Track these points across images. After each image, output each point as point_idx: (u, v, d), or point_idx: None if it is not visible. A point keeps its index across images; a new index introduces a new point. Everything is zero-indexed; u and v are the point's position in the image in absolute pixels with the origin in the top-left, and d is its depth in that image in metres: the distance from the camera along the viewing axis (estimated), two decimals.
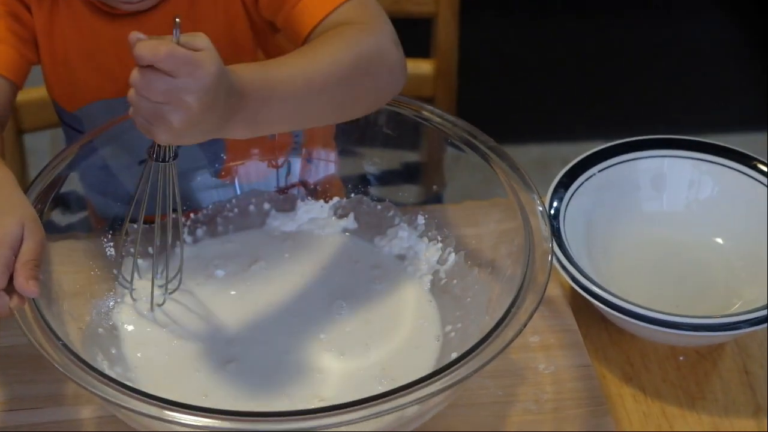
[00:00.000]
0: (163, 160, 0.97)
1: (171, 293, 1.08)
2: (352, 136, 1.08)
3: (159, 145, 0.96)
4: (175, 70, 0.86)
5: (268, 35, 1.23)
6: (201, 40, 0.88)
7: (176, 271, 1.07)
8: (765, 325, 1.04)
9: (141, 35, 0.87)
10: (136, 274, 1.08)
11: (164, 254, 1.07)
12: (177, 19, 0.88)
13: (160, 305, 1.08)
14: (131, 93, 0.88)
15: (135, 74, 0.88)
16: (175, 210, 1.03)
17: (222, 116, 0.90)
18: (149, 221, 1.15)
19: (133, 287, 1.08)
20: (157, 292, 1.07)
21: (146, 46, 0.86)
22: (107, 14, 1.18)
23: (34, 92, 1.42)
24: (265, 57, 1.24)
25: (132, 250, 1.09)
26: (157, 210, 1.02)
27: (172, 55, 0.86)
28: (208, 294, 1.12)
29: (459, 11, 1.58)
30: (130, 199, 1.05)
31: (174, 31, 0.88)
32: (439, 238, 1.14)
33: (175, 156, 0.98)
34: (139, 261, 1.09)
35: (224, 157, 1.19)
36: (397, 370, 1.03)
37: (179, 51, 0.86)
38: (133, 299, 1.09)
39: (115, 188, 1.16)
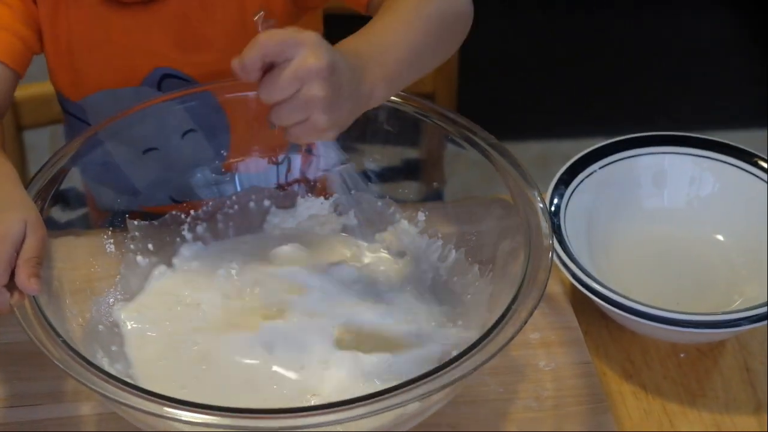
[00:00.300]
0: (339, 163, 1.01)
1: None
2: (351, 132, 1.08)
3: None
4: (283, 50, 0.87)
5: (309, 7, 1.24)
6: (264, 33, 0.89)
7: None
8: (766, 322, 1.04)
9: (237, 59, 0.88)
10: None
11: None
12: (259, 14, 0.92)
13: None
14: (269, 113, 0.90)
15: (260, 91, 0.89)
16: None
17: (358, 83, 0.92)
18: (154, 212, 1.15)
19: None
20: None
21: (245, 52, 0.87)
22: (117, 2, 1.18)
23: (34, 88, 1.42)
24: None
25: None
26: None
27: (271, 37, 0.88)
28: (209, 292, 1.12)
29: None
30: None
31: (260, 26, 0.91)
32: (440, 235, 1.14)
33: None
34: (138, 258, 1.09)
35: (225, 154, 1.19)
36: (398, 367, 1.03)
37: (272, 32, 0.88)
38: None
39: (118, 181, 1.16)
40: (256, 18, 0.91)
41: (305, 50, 0.87)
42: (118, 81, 1.22)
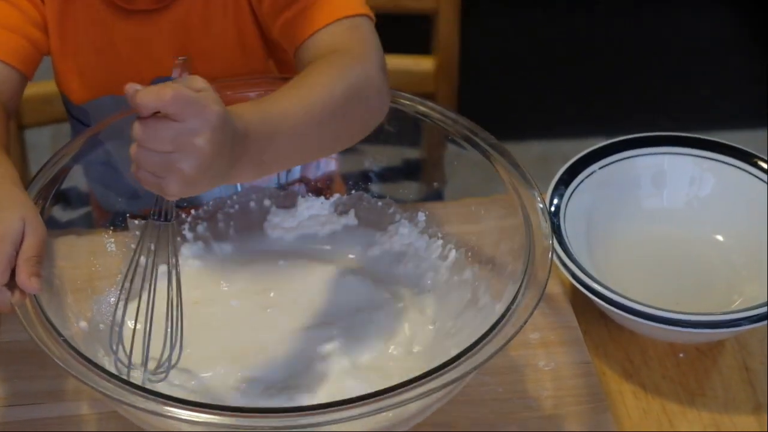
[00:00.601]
0: (166, 219, 0.95)
1: (172, 367, 1.01)
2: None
3: (161, 204, 0.94)
4: (182, 113, 0.83)
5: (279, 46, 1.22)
6: (198, 81, 0.86)
7: (177, 341, 1.01)
8: (765, 322, 1.04)
9: (137, 86, 0.84)
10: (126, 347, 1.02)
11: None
12: (180, 59, 0.89)
13: (159, 380, 1.02)
14: (133, 148, 0.85)
15: (137, 127, 0.84)
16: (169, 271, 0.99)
17: (230, 160, 0.87)
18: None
19: (131, 363, 1.02)
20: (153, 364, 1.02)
21: (148, 93, 0.82)
22: (122, 10, 1.19)
23: (36, 87, 1.42)
24: (277, 68, 1.24)
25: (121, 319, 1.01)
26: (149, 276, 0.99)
27: (178, 97, 0.82)
28: (208, 293, 1.13)
29: (460, 8, 1.58)
30: (129, 260, 1.00)
31: (174, 71, 0.87)
32: (440, 235, 1.14)
33: (178, 215, 0.96)
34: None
35: None
36: (398, 366, 1.04)
37: (184, 92, 0.83)
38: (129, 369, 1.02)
39: (119, 181, 1.16)
40: (178, 61, 0.89)
41: (200, 125, 0.84)
42: (121, 87, 1.21)
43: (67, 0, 1.18)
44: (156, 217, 0.95)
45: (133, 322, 1.02)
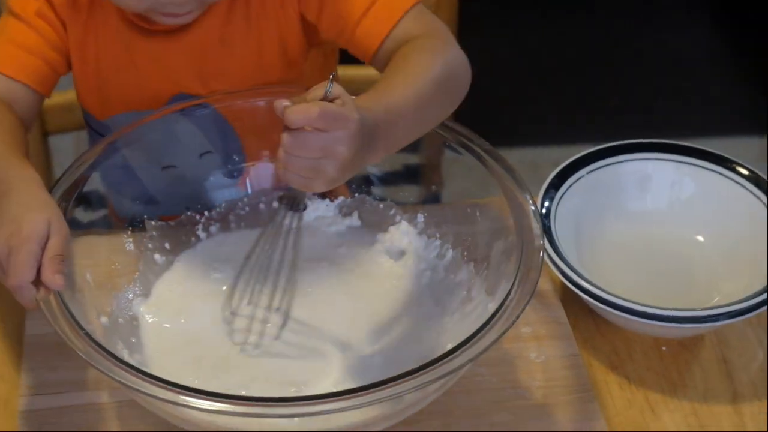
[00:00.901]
0: (297, 210, 0.99)
1: (282, 329, 1.05)
2: None
3: (292, 196, 0.98)
4: (328, 126, 0.88)
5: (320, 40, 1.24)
6: (336, 88, 0.90)
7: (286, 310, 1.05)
8: (742, 317, 1.04)
9: (286, 102, 0.88)
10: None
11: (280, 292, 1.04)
12: (331, 75, 0.91)
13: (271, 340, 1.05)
14: (281, 154, 0.89)
15: (285, 137, 0.88)
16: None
17: (364, 153, 0.92)
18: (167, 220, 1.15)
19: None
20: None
21: (297, 111, 0.87)
22: (144, 30, 1.18)
23: (59, 96, 1.42)
24: (318, 55, 1.26)
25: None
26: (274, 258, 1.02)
27: (325, 113, 0.87)
28: (220, 288, 1.12)
29: (457, 22, 1.57)
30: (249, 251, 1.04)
31: (327, 87, 0.90)
32: (438, 235, 1.14)
33: (305, 207, 1.00)
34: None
35: (237, 159, 1.19)
36: (398, 358, 1.03)
37: (330, 108, 0.88)
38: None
39: (135, 189, 1.16)
40: (330, 78, 0.92)
41: (342, 135, 0.88)
42: (141, 104, 1.21)
43: (89, 22, 1.18)
44: (288, 207, 0.99)
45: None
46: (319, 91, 0.90)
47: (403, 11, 1.12)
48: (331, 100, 0.89)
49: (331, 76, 0.92)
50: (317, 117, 0.87)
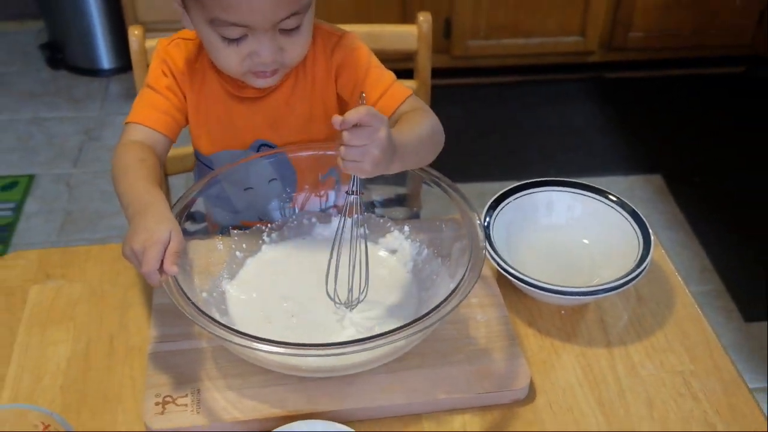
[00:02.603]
0: (358, 194, 0.98)
1: (362, 300, 1.03)
2: (366, 178, 1.09)
3: (356, 187, 0.97)
4: (370, 121, 0.88)
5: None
6: (362, 107, 0.90)
7: (365, 284, 1.02)
8: (613, 292, 1.05)
9: (340, 117, 0.88)
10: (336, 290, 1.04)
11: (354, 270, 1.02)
12: (362, 94, 0.94)
13: (352, 308, 1.04)
14: (341, 149, 0.90)
15: (346, 134, 0.89)
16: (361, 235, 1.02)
17: (391, 155, 0.93)
18: (247, 226, 1.15)
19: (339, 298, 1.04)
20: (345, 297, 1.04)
21: (353, 112, 0.88)
22: (237, 97, 1.18)
23: (174, 151, 1.43)
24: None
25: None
26: (351, 239, 1.01)
27: (368, 111, 0.88)
28: (280, 274, 1.12)
29: (430, 101, 1.57)
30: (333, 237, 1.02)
31: (361, 101, 0.92)
32: (418, 240, 1.14)
33: (363, 190, 0.99)
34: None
35: (290, 191, 1.19)
36: (390, 319, 1.03)
37: (371, 108, 0.89)
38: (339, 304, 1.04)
39: (227, 205, 1.16)
40: (362, 96, 0.94)
41: (381, 126, 0.90)
42: (234, 145, 1.21)
43: (201, 92, 1.18)
44: (351, 193, 0.98)
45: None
46: (358, 106, 0.91)
47: (404, 97, 1.13)
48: None
49: (362, 94, 0.93)
50: (365, 113, 0.88)
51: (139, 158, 1.06)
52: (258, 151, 1.20)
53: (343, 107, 1.22)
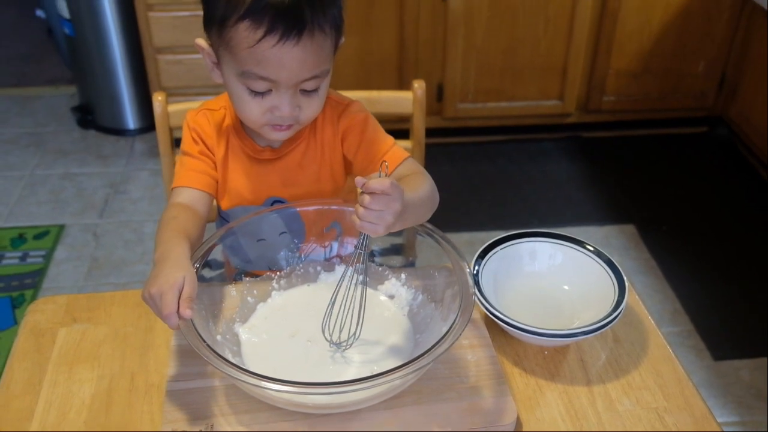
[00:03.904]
0: (365, 249, 0.98)
1: (356, 339, 1.02)
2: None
3: (364, 244, 0.97)
4: (392, 192, 0.89)
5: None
6: (386, 178, 0.90)
7: (358, 328, 1.02)
8: (591, 334, 1.05)
9: (363, 179, 0.89)
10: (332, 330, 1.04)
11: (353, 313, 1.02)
12: (386, 163, 0.94)
13: (344, 349, 1.03)
14: (360, 210, 0.90)
15: (366, 198, 0.89)
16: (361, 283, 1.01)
17: (401, 216, 0.93)
18: (257, 274, 1.15)
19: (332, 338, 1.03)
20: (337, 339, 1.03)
21: (378, 182, 0.89)
22: (255, 159, 1.21)
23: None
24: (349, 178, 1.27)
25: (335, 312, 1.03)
26: (349, 286, 1.01)
27: (392, 185, 0.89)
28: (288, 318, 1.12)
29: (423, 162, 1.59)
30: (338, 282, 1.02)
31: (381, 169, 0.92)
32: (413, 286, 1.14)
33: (370, 250, 1.01)
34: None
35: (298, 242, 1.19)
36: (388, 360, 1.03)
37: (394, 182, 0.90)
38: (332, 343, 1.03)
39: (239, 252, 1.16)
40: (384, 165, 0.94)
41: (399, 196, 0.91)
42: (250, 201, 1.23)
43: (225, 156, 1.21)
44: (359, 248, 0.97)
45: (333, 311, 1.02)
46: (379, 175, 0.92)
47: (402, 159, 1.15)
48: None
49: (385, 164, 0.94)
50: (388, 186, 0.89)
51: (172, 216, 1.09)
52: (272, 205, 1.21)
53: (347, 166, 1.24)
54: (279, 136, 1.14)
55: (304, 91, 1.08)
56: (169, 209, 1.12)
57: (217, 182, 1.21)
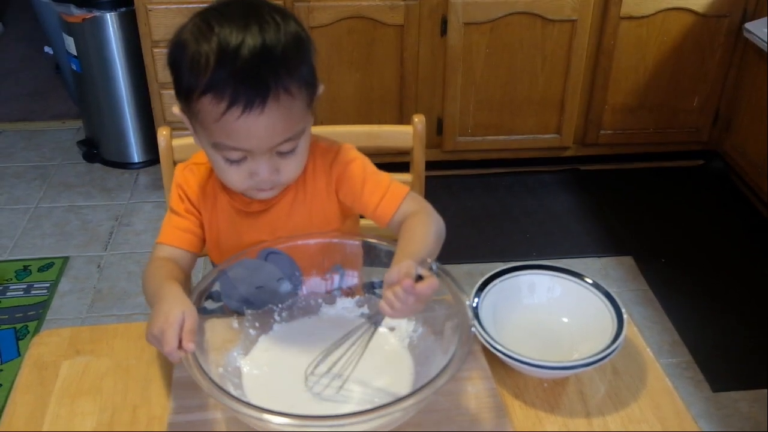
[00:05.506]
0: (378, 325, 1.00)
1: (345, 382, 1.03)
2: (366, 263, 1.08)
3: (379, 319, 0.99)
4: (424, 296, 0.92)
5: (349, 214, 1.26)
6: (436, 286, 0.94)
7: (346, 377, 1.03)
8: (590, 366, 1.04)
9: (411, 282, 0.92)
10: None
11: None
12: (429, 260, 0.96)
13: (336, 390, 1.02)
14: (396, 302, 0.92)
15: (400, 291, 0.92)
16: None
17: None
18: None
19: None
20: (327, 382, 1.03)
21: (428, 290, 0.93)
22: (243, 212, 1.20)
23: None
24: (349, 220, 1.26)
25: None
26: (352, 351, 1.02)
27: (434, 290, 0.93)
28: (290, 350, 1.11)
29: (424, 195, 1.59)
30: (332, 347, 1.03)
31: (434, 269, 0.95)
32: (414, 318, 1.13)
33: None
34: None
35: (298, 275, 1.18)
36: (388, 392, 1.02)
37: (430, 290, 0.93)
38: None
39: (236, 293, 1.16)
40: (435, 266, 0.96)
41: (426, 298, 0.93)
42: (240, 252, 1.21)
43: (212, 211, 1.20)
44: (371, 320, 1.00)
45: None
46: (413, 270, 0.93)
47: (403, 195, 1.14)
48: (420, 276, 0.93)
49: (434, 265, 0.96)
50: (426, 291, 0.92)
51: (158, 266, 1.10)
52: (266, 259, 1.19)
53: (345, 212, 1.23)
54: (264, 196, 1.14)
55: (281, 153, 1.06)
56: (154, 261, 1.13)
57: (203, 240, 1.20)
